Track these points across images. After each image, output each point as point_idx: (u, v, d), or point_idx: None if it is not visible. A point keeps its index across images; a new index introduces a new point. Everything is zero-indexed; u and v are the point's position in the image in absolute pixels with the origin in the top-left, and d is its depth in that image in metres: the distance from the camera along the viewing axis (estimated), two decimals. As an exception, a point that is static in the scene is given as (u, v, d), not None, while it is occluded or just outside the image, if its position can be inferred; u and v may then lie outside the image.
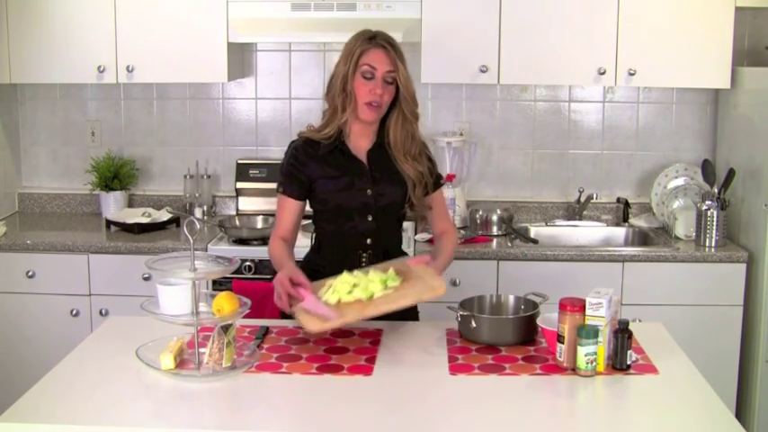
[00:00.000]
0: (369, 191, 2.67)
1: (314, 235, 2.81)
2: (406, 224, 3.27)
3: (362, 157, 2.70)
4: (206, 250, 3.61)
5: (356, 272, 2.47)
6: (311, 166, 2.66)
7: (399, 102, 2.65)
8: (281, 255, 2.63)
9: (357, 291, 2.37)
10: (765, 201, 3.53)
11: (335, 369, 2.32)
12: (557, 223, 4.14)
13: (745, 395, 3.67)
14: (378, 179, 2.69)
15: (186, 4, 3.84)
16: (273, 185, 4.12)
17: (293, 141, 2.74)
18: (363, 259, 2.70)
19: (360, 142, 2.71)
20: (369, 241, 2.70)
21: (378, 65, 2.59)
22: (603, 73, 3.78)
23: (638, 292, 3.62)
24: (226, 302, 2.26)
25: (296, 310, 2.39)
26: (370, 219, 2.69)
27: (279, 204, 2.72)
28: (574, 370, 2.29)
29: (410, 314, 2.75)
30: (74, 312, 3.73)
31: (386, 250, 2.72)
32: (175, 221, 4.05)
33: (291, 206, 2.70)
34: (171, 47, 3.85)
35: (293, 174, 2.68)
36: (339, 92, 2.61)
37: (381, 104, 2.62)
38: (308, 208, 2.77)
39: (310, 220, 2.82)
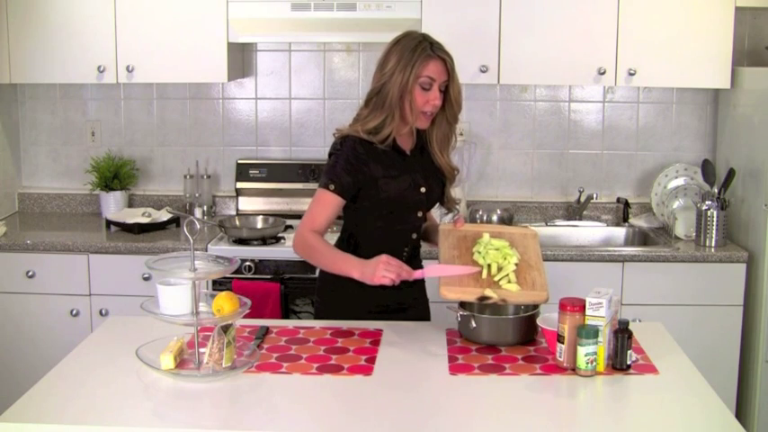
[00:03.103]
0: (423, 188, 2.73)
1: (348, 233, 2.78)
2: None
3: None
4: (206, 250, 3.61)
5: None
6: (372, 166, 2.65)
7: (445, 106, 2.69)
8: (331, 247, 2.64)
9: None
10: (765, 201, 3.53)
11: (335, 369, 2.32)
12: (557, 223, 4.14)
13: (745, 395, 3.67)
14: (426, 177, 2.75)
15: (186, 4, 3.84)
16: (273, 185, 4.25)
17: (347, 139, 2.66)
18: (405, 253, 2.74)
19: (405, 142, 2.76)
20: (414, 236, 2.78)
21: (437, 76, 2.62)
22: (603, 73, 3.78)
23: (638, 292, 3.62)
24: (226, 302, 2.26)
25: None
26: (420, 215, 2.77)
27: (321, 200, 2.65)
28: (574, 370, 2.29)
29: (423, 314, 2.87)
30: (74, 312, 3.72)
31: (419, 243, 2.83)
32: (175, 221, 4.04)
33: (336, 203, 2.66)
34: (171, 47, 3.85)
35: (352, 171, 2.63)
36: (396, 100, 2.61)
37: (435, 112, 2.68)
38: None
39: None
